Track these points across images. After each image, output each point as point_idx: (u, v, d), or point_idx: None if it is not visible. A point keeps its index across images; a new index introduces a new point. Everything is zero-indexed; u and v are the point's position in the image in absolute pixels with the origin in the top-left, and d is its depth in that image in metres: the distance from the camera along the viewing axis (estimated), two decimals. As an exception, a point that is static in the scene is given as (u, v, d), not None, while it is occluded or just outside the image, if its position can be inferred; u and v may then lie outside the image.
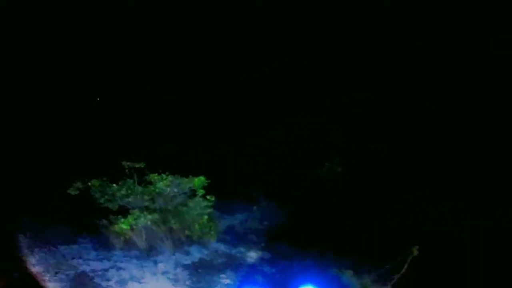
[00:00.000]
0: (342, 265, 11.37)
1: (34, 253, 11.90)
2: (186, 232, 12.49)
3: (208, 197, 12.62)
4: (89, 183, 11.86)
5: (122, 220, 11.65)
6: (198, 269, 11.73)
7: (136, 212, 11.56)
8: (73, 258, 11.85)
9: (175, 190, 12.53)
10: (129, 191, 11.86)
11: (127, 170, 12.33)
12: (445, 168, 13.84)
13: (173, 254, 12.27)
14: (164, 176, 12.40)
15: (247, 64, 16.35)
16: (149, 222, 11.61)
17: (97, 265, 11.66)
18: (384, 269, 10.70)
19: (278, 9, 15.84)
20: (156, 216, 11.79)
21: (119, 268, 11.59)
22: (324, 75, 15.84)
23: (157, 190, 12.18)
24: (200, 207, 12.60)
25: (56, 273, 11.33)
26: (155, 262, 11.92)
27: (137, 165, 12.29)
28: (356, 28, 15.57)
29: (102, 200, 11.98)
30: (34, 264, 11.53)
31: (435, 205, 12.83)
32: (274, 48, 16.10)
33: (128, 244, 12.30)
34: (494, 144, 13.84)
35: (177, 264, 11.88)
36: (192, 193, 12.72)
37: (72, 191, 11.86)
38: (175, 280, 11.27)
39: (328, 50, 15.83)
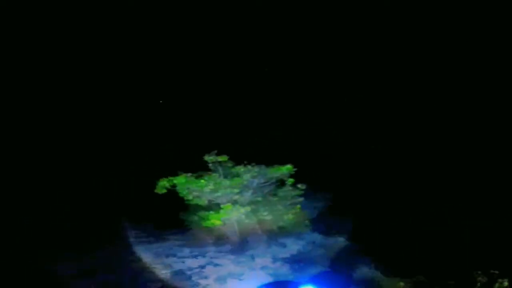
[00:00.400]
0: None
1: (127, 252, 11.74)
2: (279, 223, 11.86)
3: (299, 185, 11.94)
4: (175, 181, 11.47)
5: (214, 214, 11.22)
6: (298, 262, 11.08)
7: (228, 206, 11.07)
8: (167, 256, 11.58)
9: (262, 180, 11.97)
10: (217, 186, 11.36)
11: (210, 165, 11.88)
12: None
13: (269, 247, 11.72)
14: (249, 167, 11.84)
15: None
16: (243, 216, 11.08)
17: (192, 263, 11.27)
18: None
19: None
20: (248, 208, 11.24)
21: (215, 265, 11.15)
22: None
23: (244, 182, 11.63)
24: (291, 197, 11.98)
25: (153, 271, 11.09)
26: (252, 257, 11.38)
27: (220, 159, 11.80)
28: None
29: (190, 197, 11.59)
30: (129, 264, 11.30)
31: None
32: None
33: (221, 239, 11.91)
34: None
35: (275, 258, 11.29)
36: (281, 183, 12.10)
37: (160, 190, 11.54)
38: (276, 275, 10.64)
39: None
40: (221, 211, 11.07)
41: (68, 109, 15.08)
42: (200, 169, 11.96)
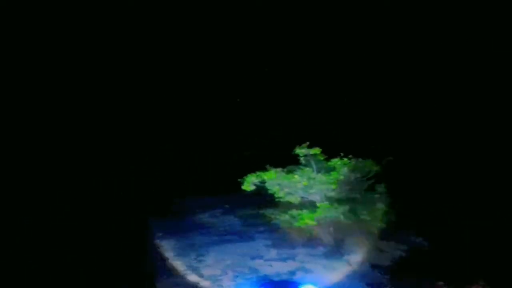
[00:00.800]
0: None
1: (208, 252, 10.69)
2: (379, 224, 10.42)
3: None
4: (265, 176, 10.26)
5: (308, 214, 9.96)
6: (402, 271, 9.60)
7: (325, 204, 9.77)
8: (253, 258, 10.42)
9: (359, 175, 10.58)
10: (311, 181, 10.07)
11: (301, 158, 10.61)
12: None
13: (367, 252, 10.30)
14: (346, 160, 10.48)
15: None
16: (342, 216, 9.73)
17: (281, 266, 10.02)
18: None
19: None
20: (346, 207, 9.90)
21: (307, 270, 9.87)
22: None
23: (341, 177, 10.27)
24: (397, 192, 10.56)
25: (235, 276, 9.93)
26: (348, 262, 10.02)
27: (312, 152, 10.49)
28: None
29: (281, 194, 10.38)
30: (209, 265, 10.22)
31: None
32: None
33: (313, 241, 10.61)
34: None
35: (374, 265, 9.86)
36: (380, 177, 10.67)
37: (247, 187, 10.38)
38: (376, 286, 9.28)
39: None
40: (318, 209, 9.80)
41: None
42: (285, 163, 10.81)
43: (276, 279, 9.47)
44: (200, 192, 12.69)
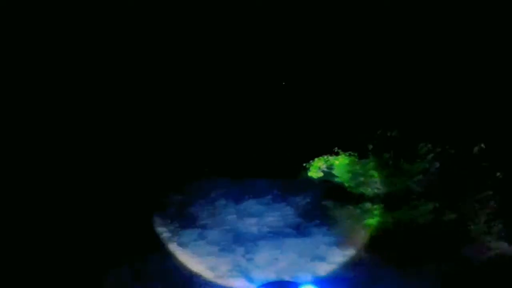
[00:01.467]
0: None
1: (258, 248, 8.98)
2: (468, 226, 8.64)
3: (497, 174, 8.66)
4: (337, 161, 8.49)
5: (383, 209, 8.25)
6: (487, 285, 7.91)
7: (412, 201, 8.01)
8: (313, 260, 8.68)
9: (445, 166, 8.85)
10: (391, 170, 8.27)
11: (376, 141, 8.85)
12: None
13: (441, 262, 8.44)
14: (430, 146, 8.70)
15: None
16: (425, 215, 8.08)
17: (347, 272, 8.35)
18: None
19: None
20: (431, 204, 8.13)
21: (376, 277, 8.15)
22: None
23: (427, 166, 8.48)
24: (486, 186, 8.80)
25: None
26: (418, 274, 8.18)
27: (389, 133, 8.74)
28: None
29: (352, 183, 8.59)
30: (260, 266, 8.65)
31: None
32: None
33: (385, 242, 8.73)
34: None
35: (448, 280, 8.07)
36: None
37: (314, 173, 8.62)
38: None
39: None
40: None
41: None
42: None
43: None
44: (242, 174, 10.90)
